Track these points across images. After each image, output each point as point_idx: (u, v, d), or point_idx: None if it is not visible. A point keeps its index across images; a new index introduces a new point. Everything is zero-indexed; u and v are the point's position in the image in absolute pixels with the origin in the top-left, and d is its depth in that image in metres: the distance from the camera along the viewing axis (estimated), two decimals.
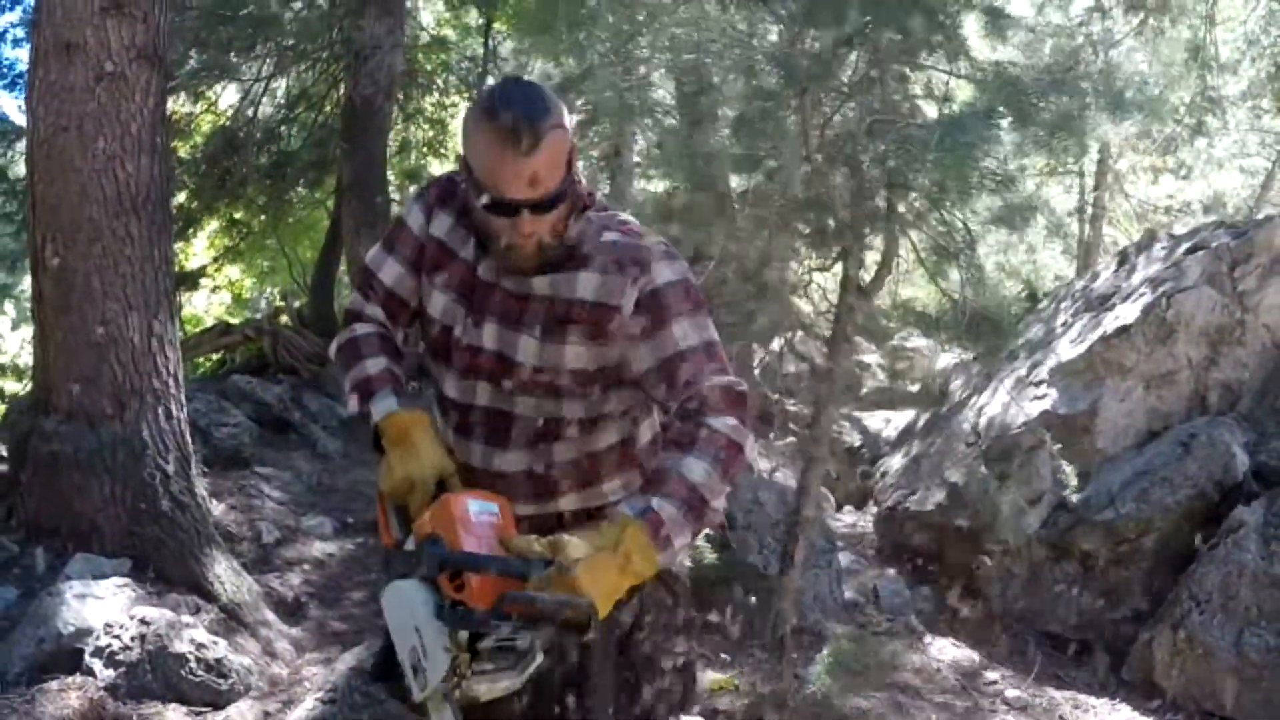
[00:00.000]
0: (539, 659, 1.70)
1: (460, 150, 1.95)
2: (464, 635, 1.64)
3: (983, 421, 6.10)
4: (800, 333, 3.36)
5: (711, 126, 3.13)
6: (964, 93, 3.66)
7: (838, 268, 3.50)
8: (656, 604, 2.14)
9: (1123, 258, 6.80)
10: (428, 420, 1.98)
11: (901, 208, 3.16)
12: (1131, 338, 5.81)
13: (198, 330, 9.80)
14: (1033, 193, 3.88)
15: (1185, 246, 6.17)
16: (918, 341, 11.70)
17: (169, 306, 4.68)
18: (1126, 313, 5.91)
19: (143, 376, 4.53)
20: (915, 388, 10.35)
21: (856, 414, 8.40)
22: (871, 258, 3.72)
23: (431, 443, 1.95)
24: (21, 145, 8.28)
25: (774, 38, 3.29)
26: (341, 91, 9.19)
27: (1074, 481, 4.57)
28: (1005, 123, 2.94)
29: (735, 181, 3.19)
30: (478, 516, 1.74)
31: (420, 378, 2.28)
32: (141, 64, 4.49)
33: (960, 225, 3.31)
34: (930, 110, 3.56)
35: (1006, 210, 3.23)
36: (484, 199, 1.87)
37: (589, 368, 1.99)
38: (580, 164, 2.01)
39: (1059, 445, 5.19)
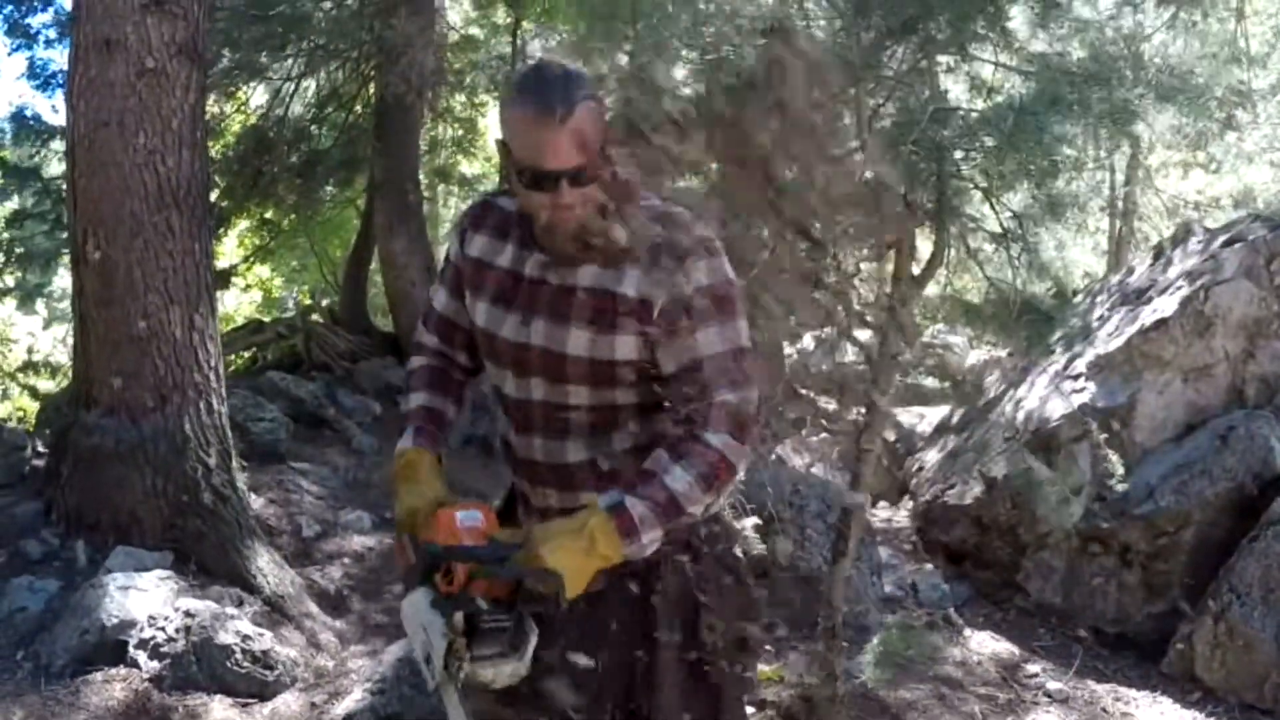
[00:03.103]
0: (534, 640, 1.86)
1: (499, 138, 1.97)
2: (460, 622, 1.82)
3: (1020, 415, 6.06)
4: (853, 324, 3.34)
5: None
6: (1009, 82, 3.64)
7: (886, 262, 3.48)
8: (717, 583, 2.14)
9: (1158, 252, 6.75)
10: (429, 457, 2.12)
11: (955, 201, 3.15)
12: (1169, 330, 5.75)
13: (229, 329, 9.84)
14: (1072, 182, 3.87)
15: (1221, 240, 6.12)
16: (949, 338, 11.66)
17: (210, 300, 4.71)
18: (1164, 305, 5.86)
19: (184, 370, 4.57)
20: (947, 384, 10.31)
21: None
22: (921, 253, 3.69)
23: (430, 473, 2.09)
24: (55, 144, 8.37)
25: (822, 29, 3.29)
26: (371, 91, 9.22)
27: (1120, 470, 4.53)
28: (1067, 110, 2.93)
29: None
30: (463, 523, 1.93)
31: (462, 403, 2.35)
32: (182, 60, 4.53)
33: (1012, 214, 3.30)
34: (976, 102, 3.55)
35: (1059, 198, 3.22)
36: (525, 177, 1.90)
37: (640, 358, 1.99)
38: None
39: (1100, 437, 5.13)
